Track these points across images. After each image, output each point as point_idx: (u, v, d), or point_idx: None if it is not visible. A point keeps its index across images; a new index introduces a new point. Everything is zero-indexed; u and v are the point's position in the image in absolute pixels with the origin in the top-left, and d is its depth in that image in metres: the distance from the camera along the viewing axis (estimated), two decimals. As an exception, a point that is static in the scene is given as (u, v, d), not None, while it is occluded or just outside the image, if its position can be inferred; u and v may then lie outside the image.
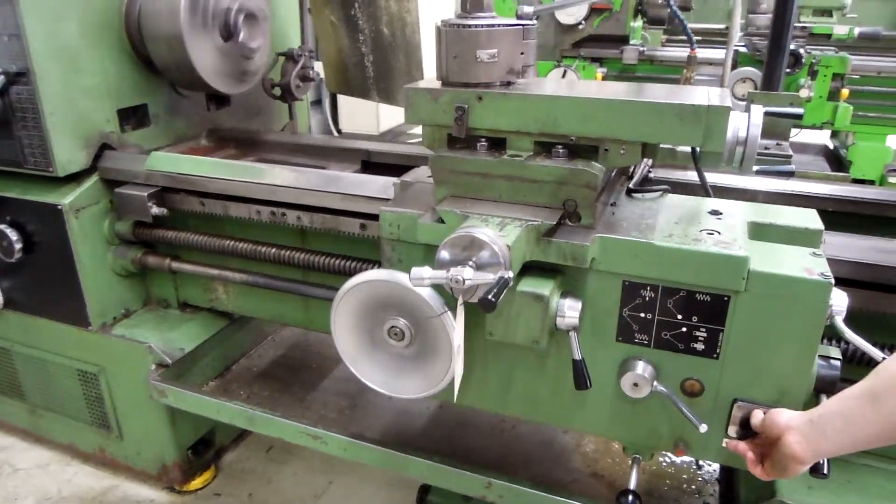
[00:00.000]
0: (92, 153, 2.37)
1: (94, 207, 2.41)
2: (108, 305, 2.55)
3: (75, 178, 2.36)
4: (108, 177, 2.41)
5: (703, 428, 1.39)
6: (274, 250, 2.24)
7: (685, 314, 1.42)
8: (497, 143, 1.53)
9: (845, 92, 4.79)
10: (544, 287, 1.41)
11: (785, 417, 1.24)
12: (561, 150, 1.46)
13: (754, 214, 1.55)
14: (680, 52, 5.26)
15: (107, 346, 2.51)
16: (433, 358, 1.52)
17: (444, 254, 1.31)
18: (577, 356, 1.44)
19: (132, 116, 2.51)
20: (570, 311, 1.42)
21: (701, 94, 1.41)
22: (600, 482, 2.14)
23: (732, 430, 1.47)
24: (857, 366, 1.58)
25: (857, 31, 5.06)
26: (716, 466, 2.18)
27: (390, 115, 8.41)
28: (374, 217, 1.95)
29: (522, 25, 1.49)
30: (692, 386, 1.48)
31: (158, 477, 2.73)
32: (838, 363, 1.39)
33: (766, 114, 1.39)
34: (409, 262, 1.62)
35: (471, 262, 1.28)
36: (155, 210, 2.33)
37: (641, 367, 1.48)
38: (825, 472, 1.25)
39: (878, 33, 5.18)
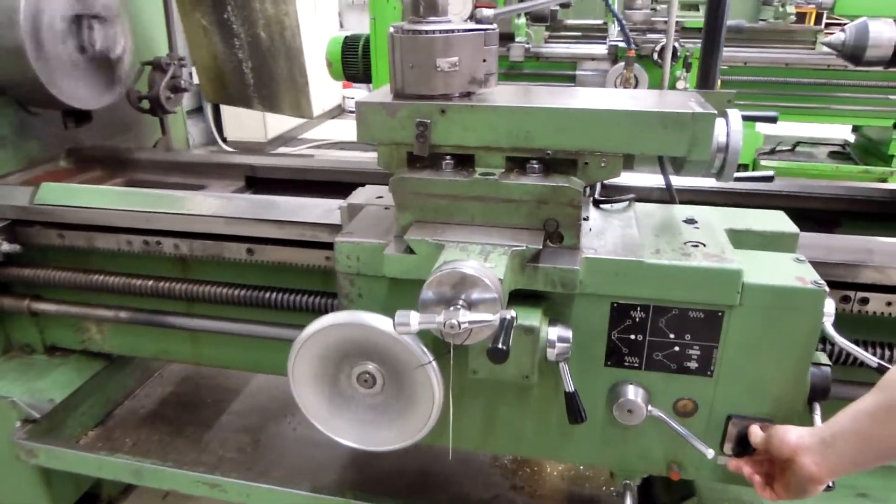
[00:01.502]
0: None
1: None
2: (-43, 357, 2.17)
3: None
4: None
5: (710, 454, 1.32)
6: (151, 283, 1.97)
7: (678, 333, 1.34)
8: (464, 161, 1.38)
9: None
10: (532, 317, 1.29)
11: (794, 437, 1.18)
12: (536, 166, 1.33)
13: (728, 220, 1.51)
14: (565, 49, 5.38)
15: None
16: (411, 403, 1.36)
17: (429, 294, 1.15)
18: (570, 388, 1.33)
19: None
20: (561, 342, 1.30)
21: (679, 101, 1.34)
22: (521, 493, 2.08)
23: (728, 448, 1.41)
24: (843, 366, 1.58)
25: (723, 24, 5.35)
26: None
27: (278, 121, 8.02)
28: (324, 246, 1.75)
29: (483, 30, 1.35)
30: (685, 406, 1.41)
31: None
32: (828, 369, 1.37)
33: (744, 118, 1.34)
34: (370, 298, 1.45)
35: (461, 302, 1.12)
36: (6, 247, 2.00)
37: (633, 392, 1.39)
38: (831, 484, 1.22)
39: (741, 25, 5.50)
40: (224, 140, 8.62)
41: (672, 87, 4.79)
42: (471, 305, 1.13)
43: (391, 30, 1.34)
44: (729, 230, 1.47)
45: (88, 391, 2.31)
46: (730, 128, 1.32)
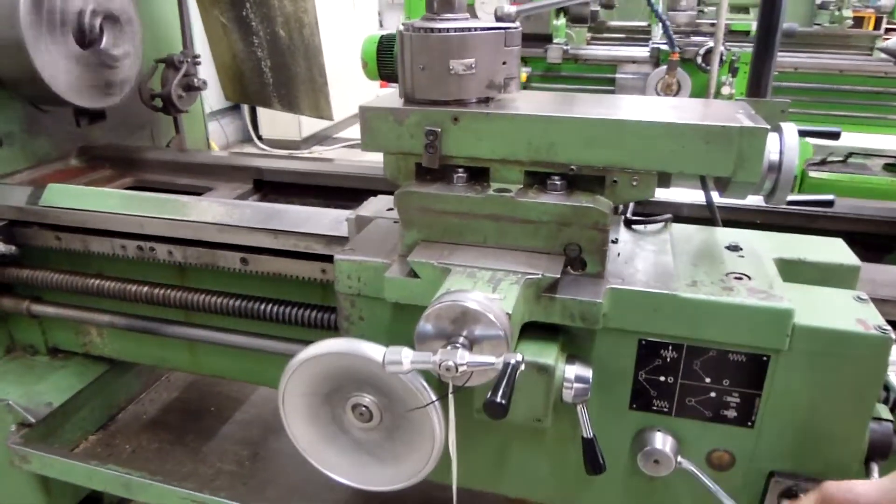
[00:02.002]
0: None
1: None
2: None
3: None
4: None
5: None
6: (147, 289, 1.85)
7: (715, 377, 1.18)
8: (477, 174, 1.24)
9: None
10: (547, 354, 1.14)
11: (862, 491, 0.99)
12: (558, 183, 1.19)
13: (778, 248, 1.33)
14: (605, 51, 5.18)
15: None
16: (410, 441, 1.22)
17: (426, 328, 1.01)
18: (589, 434, 1.18)
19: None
20: (580, 382, 1.15)
21: (726, 112, 1.17)
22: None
23: (769, 508, 1.24)
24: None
25: (773, 27, 5.11)
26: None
27: (313, 120, 7.98)
28: (320, 258, 1.64)
29: (504, 29, 1.21)
30: (720, 458, 1.24)
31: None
32: (891, 425, 1.18)
33: (801, 133, 1.16)
34: (372, 322, 1.32)
35: (462, 339, 0.98)
36: (1, 248, 1.93)
37: (661, 440, 1.23)
38: None
39: (793, 29, 5.22)
40: (260, 138, 8.64)
41: (718, 93, 4.58)
42: (473, 343, 0.99)
43: (400, 27, 1.21)
44: (778, 260, 1.29)
45: (90, 395, 2.23)
46: (784, 144, 1.15)
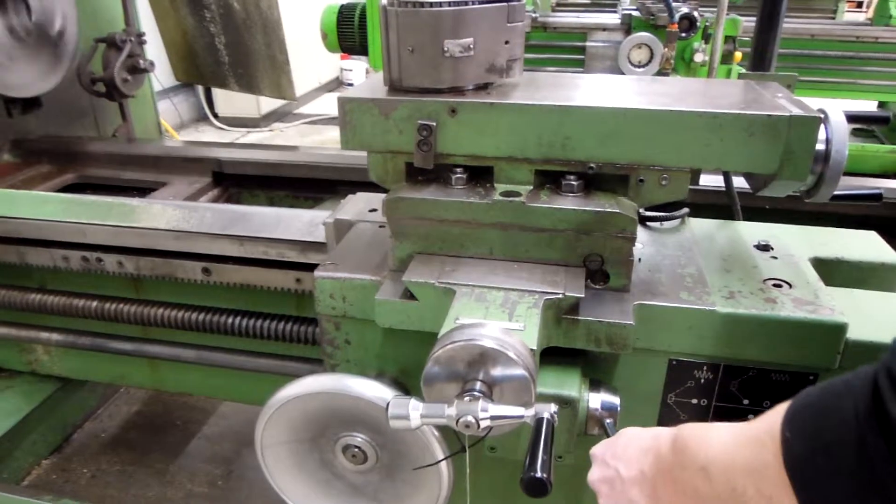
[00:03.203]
0: None
1: None
2: None
3: None
4: None
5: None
6: (96, 304, 1.62)
7: (754, 399, 1.04)
8: (479, 175, 1.07)
9: (738, 55, 4.71)
10: (570, 383, 0.99)
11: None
12: (575, 184, 1.02)
13: (811, 245, 1.20)
14: (574, 19, 5.00)
15: None
16: (413, 479, 1.07)
17: (435, 370, 0.84)
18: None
19: None
20: (606, 410, 1.00)
21: (763, 96, 1.02)
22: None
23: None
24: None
25: (744, -8, 5.01)
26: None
27: (273, 95, 7.63)
28: (294, 266, 1.45)
29: (507, 2, 1.03)
30: (757, 484, 1.11)
31: None
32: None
33: (849, 119, 1.01)
34: (361, 346, 1.15)
35: (479, 385, 0.82)
36: None
37: (692, 467, 1.10)
38: None
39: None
40: (216, 116, 8.23)
41: (689, 60, 4.45)
42: (492, 386, 0.83)
43: (383, 1, 1.02)
44: (814, 259, 1.16)
45: (40, 417, 2.02)
46: (831, 132, 1.00)
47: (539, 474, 0.73)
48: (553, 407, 0.79)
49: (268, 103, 7.97)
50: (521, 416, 0.78)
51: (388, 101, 1.02)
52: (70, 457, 2.10)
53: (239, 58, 2.37)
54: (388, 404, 0.78)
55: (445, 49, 1.00)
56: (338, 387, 0.98)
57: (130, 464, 2.06)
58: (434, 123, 1.01)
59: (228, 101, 7.89)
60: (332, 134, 7.16)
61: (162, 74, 5.67)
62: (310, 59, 6.61)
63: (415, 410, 0.79)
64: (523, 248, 1.03)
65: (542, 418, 0.77)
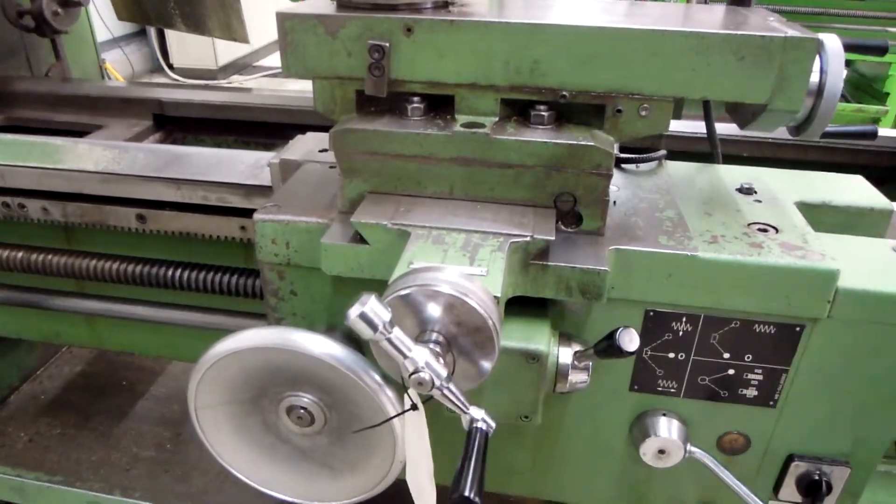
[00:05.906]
0: None
1: None
2: None
3: None
4: None
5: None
6: (22, 254, 1.47)
7: (735, 352, 0.97)
8: (439, 104, 0.95)
9: None
10: (538, 337, 0.89)
11: None
12: (545, 114, 0.91)
13: (796, 189, 1.12)
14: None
15: None
16: (365, 443, 0.97)
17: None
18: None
19: None
20: (577, 373, 0.92)
21: (754, 20, 0.92)
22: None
23: (786, 494, 1.07)
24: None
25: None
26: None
27: (231, 45, 7.29)
28: (237, 212, 1.32)
29: None
30: (734, 441, 1.05)
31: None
32: (930, 396, 1.01)
33: (847, 48, 0.92)
34: (308, 297, 1.04)
35: (435, 337, 0.72)
36: None
37: (666, 426, 1.03)
38: None
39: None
40: (171, 67, 7.87)
41: None
42: (450, 339, 0.73)
43: None
44: (800, 203, 1.08)
45: (-29, 378, 1.88)
46: (826, 62, 0.91)
47: (468, 493, 0.64)
48: (488, 419, 0.69)
49: (225, 53, 7.64)
50: (466, 411, 0.68)
51: (334, 18, 0.89)
52: (6, 420, 1.96)
53: (185, -7, 2.17)
54: (361, 298, 0.65)
55: (400, -43, 0.87)
56: (279, 342, 0.87)
57: (72, 427, 1.94)
58: (387, 44, 0.88)
59: (183, 50, 7.55)
60: (295, 86, 6.89)
61: (112, 22, 5.34)
62: (270, 7, 6.30)
63: (384, 329, 0.66)
64: (487, 187, 0.93)
65: (478, 428, 0.67)
